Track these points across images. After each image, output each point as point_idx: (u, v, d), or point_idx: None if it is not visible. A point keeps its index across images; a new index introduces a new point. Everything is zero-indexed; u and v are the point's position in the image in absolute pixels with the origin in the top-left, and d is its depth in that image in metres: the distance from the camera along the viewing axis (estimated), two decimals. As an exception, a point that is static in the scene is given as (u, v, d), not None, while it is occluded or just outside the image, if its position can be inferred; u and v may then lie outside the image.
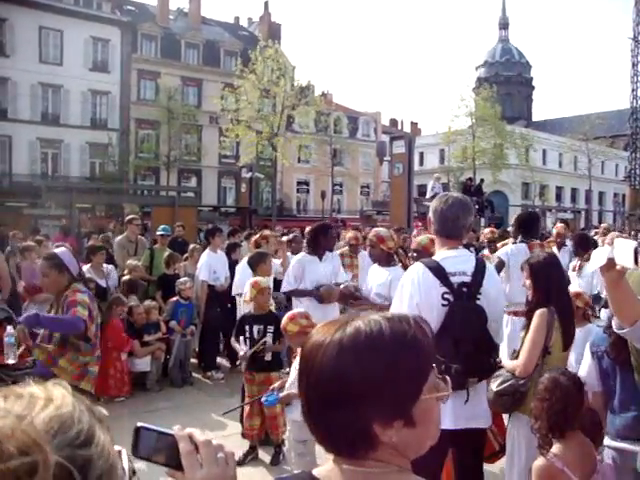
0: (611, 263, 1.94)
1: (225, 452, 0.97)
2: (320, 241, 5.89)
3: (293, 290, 5.86)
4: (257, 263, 5.90)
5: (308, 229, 6.60)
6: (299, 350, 4.17)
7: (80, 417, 0.69)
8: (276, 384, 4.33)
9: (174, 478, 0.94)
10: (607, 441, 2.90)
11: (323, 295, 5.49)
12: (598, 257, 1.99)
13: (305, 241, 7.25)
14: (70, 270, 3.98)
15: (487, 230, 9.26)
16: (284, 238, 8.76)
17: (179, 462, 0.93)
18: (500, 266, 5.52)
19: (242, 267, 6.81)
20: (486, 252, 7.56)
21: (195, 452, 0.93)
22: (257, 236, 7.52)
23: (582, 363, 3.14)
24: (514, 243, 5.91)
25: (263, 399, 4.36)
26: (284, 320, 4.27)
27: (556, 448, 2.65)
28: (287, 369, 5.19)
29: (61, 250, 4.20)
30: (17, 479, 0.59)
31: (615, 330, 2.31)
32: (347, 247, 7.32)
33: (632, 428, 2.81)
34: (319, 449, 3.95)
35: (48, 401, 0.68)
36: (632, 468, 2.73)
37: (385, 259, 5.14)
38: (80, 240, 13.50)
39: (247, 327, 5.05)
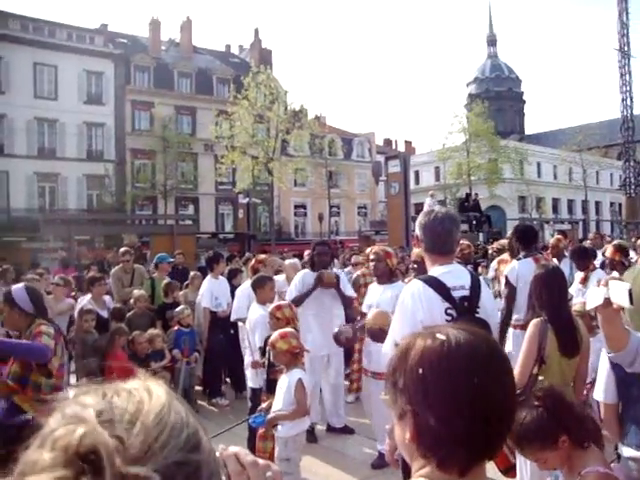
0: (607, 302, 2.07)
1: (273, 471, 0.94)
2: (317, 258, 6.17)
3: (297, 296, 6.13)
4: (258, 286, 5.90)
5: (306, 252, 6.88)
6: (290, 376, 4.18)
7: (188, 420, 0.66)
8: (263, 405, 4.35)
9: None
10: (629, 452, 2.75)
11: (323, 276, 5.87)
12: (595, 296, 2.13)
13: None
14: (20, 307, 3.86)
15: (496, 244, 9.22)
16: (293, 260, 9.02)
17: None
18: (510, 288, 5.48)
19: (241, 292, 6.89)
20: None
21: (244, 472, 0.90)
22: (253, 262, 7.52)
23: (598, 373, 3.05)
24: (518, 258, 5.82)
25: (250, 420, 4.39)
26: (274, 336, 4.31)
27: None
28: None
29: (16, 286, 4.11)
30: None
31: (606, 353, 2.39)
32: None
33: None
34: (303, 467, 3.92)
35: (154, 401, 0.64)
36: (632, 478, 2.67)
37: (388, 275, 5.18)
38: (80, 272, 13.51)
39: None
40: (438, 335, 1.09)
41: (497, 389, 1.03)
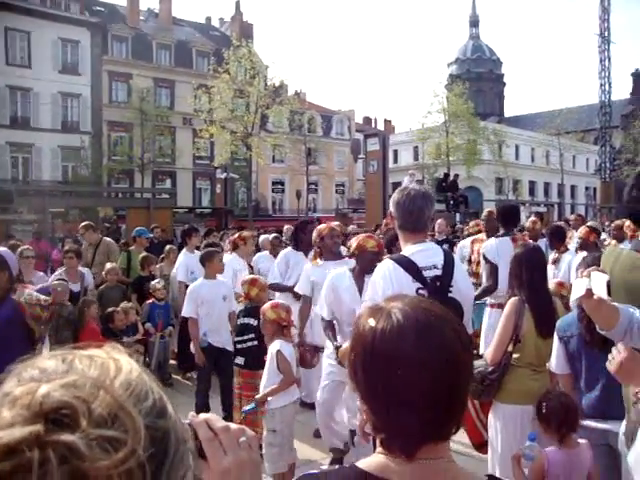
0: (589, 293, 2.15)
1: (247, 435, 0.91)
2: (300, 238, 6.14)
3: (276, 284, 6.22)
4: (207, 260, 5.88)
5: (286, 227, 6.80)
6: (270, 347, 4.20)
7: (152, 386, 0.64)
8: (257, 396, 4.30)
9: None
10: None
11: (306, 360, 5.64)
12: (578, 288, 2.22)
13: (288, 239, 7.44)
14: (11, 271, 3.88)
15: (473, 223, 9.28)
16: (268, 236, 9.01)
17: (200, 451, 0.87)
18: (491, 265, 5.54)
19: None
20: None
21: (216, 439, 0.88)
22: (235, 237, 7.48)
23: (553, 347, 3.22)
24: (496, 236, 5.86)
25: (243, 409, 4.43)
26: (266, 305, 4.40)
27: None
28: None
29: (5, 249, 4.11)
30: (108, 445, 0.54)
31: (598, 330, 2.44)
32: None
33: (597, 407, 2.95)
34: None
35: (119, 367, 0.62)
36: (601, 444, 2.87)
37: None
38: (53, 245, 13.34)
39: (239, 320, 5.13)
40: (370, 321, 1.08)
41: (424, 377, 1.01)
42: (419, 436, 1.03)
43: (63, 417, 0.54)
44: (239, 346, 5.00)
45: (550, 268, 6.61)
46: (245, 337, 4.95)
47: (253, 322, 4.86)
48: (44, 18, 32.75)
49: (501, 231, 5.87)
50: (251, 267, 7.67)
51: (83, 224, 9.12)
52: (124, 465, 0.54)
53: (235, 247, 7.17)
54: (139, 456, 0.55)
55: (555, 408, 2.86)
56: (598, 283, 2.16)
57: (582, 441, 2.87)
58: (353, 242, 4.65)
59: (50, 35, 32.89)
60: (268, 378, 4.17)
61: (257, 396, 4.22)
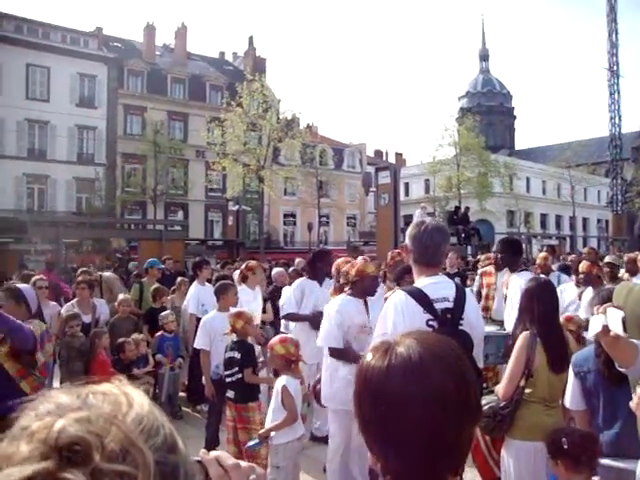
0: (606, 330, 2.15)
1: (257, 473, 0.92)
2: (318, 266, 6.15)
3: (292, 314, 6.19)
4: (221, 293, 5.91)
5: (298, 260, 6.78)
6: (276, 383, 4.19)
7: (163, 422, 0.65)
8: (261, 431, 4.28)
9: None
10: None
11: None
12: (595, 324, 2.22)
13: (304, 268, 7.44)
14: (28, 304, 3.95)
15: (484, 257, 9.19)
16: (280, 270, 9.02)
17: None
18: None
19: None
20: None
21: (226, 476, 0.88)
22: (244, 268, 7.49)
23: (568, 382, 3.17)
24: (512, 270, 5.79)
25: (247, 445, 4.38)
26: (274, 340, 4.38)
27: None
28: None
29: (24, 285, 4.22)
30: None
31: (617, 367, 2.42)
32: None
33: (615, 445, 2.87)
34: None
35: (131, 403, 0.64)
36: None
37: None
38: (65, 275, 13.43)
39: (226, 354, 5.04)
40: (367, 357, 1.10)
41: (409, 417, 1.01)
42: (412, 476, 1.02)
43: (77, 452, 0.55)
44: (228, 380, 4.94)
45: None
46: (232, 371, 4.90)
47: (237, 355, 4.84)
48: (63, 54, 33.66)
49: (515, 266, 5.82)
50: (264, 299, 7.64)
51: (79, 271, 9.13)
52: None
53: (244, 279, 7.17)
54: None
55: (579, 444, 2.75)
56: (614, 319, 2.15)
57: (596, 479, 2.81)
58: (349, 268, 4.69)
59: (69, 70, 33.71)
60: (273, 413, 4.15)
61: (260, 431, 4.21)
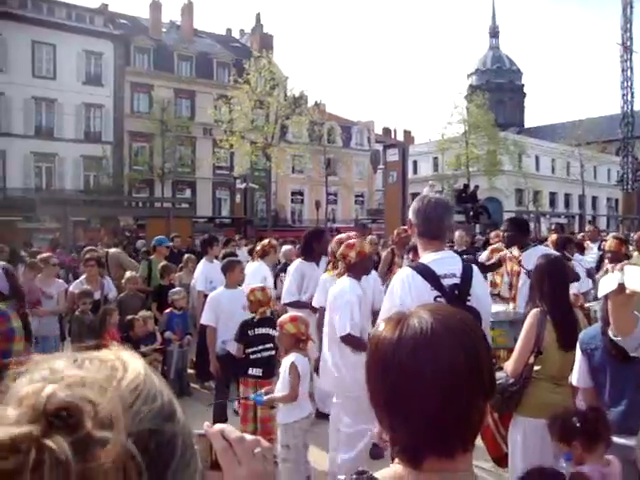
0: (621, 288, 2.09)
1: (262, 446, 0.91)
2: (314, 247, 6.08)
3: (292, 302, 6.07)
4: (228, 270, 5.94)
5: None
6: (284, 360, 4.20)
7: (161, 389, 0.63)
8: (264, 388, 4.41)
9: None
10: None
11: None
12: (608, 283, 2.16)
13: (299, 248, 7.33)
14: None
15: (493, 234, 9.14)
16: (291, 247, 9.06)
17: (215, 462, 0.87)
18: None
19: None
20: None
21: (231, 449, 0.88)
22: (266, 243, 7.33)
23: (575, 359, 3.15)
24: (525, 247, 5.74)
25: (252, 396, 4.44)
26: (285, 317, 4.37)
27: None
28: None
29: None
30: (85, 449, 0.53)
31: (611, 336, 2.39)
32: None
33: (623, 422, 2.85)
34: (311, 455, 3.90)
35: (128, 369, 0.62)
36: (627, 460, 2.75)
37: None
38: (69, 254, 13.51)
39: (250, 332, 5.03)
40: (378, 329, 1.10)
41: (417, 388, 1.00)
42: (419, 448, 1.01)
43: (67, 418, 0.53)
44: (256, 356, 4.93)
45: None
46: (264, 346, 4.92)
47: (272, 332, 4.85)
48: (69, 31, 33.45)
49: (527, 243, 5.81)
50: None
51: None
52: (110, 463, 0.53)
53: (264, 255, 7.15)
54: (128, 453, 0.54)
55: (593, 419, 2.72)
56: (634, 277, 2.09)
57: (610, 457, 2.78)
58: (347, 250, 4.49)
59: (75, 47, 33.52)
60: (282, 389, 4.18)
61: (265, 397, 4.26)
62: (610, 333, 2.45)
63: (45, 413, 0.53)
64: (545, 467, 2.69)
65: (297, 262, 6.43)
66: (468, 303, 2.97)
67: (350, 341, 4.16)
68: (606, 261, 6.32)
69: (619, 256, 6.19)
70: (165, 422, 0.61)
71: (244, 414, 4.89)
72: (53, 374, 0.58)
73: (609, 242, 6.68)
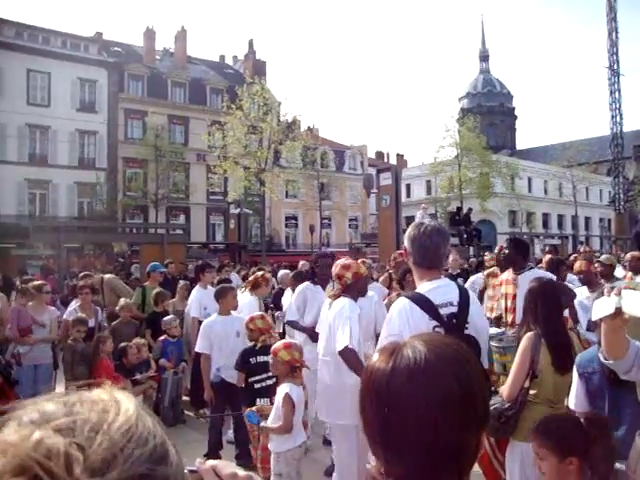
0: (618, 312, 2.05)
1: None
2: (319, 271, 6.11)
3: (294, 321, 6.13)
4: (221, 297, 5.93)
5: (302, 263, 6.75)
6: (279, 390, 4.16)
7: (155, 430, 0.62)
8: (255, 407, 4.40)
9: None
10: None
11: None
12: (604, 306, 2.10)
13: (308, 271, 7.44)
14: None
15: (488, 257, 9.16)
16: (288, 272, 9.07)
17: None
18: None
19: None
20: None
21: None
22: (259, 275, 7.33)
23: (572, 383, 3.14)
24: (520, 270, 5.73)
25: (246, 412, 4.43)
26: (279, 344, 4.33)
27: None
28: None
29: None
30: None
31: (601, 359, 2.39)
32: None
33: (621, 447, 2.82)
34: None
35: (119, 411, 0.60)
36: None
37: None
38: (61, 280, 13.45)
39: (252, 359, 5.01)
40: (373, 359, 1.10)
41: (410, 418, 1.00)
42: (414, 479, 1.01)
43: (54, 467, 0.52)
44: (261, 385, 4.89)
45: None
46: (267, 375, 4.85)
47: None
48: (64, 59, 33.75)
49: (525, 264, 5.75)
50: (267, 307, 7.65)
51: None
52: None
53: (255, 287, 7.09)
54: None
55: (593, 422, 2.65)
56: (633, 301, 2.03)
57: None
58: (343, 271, 4.50)
59: (69, 75, 33.77)
60: (272, 417, 4.15)
61: (261, 424, 4.23)
62: (600, 356, 2.44)
63: (31, 463, 0.52)
64: None
65: (304, 285, 6.38)
66: (466, 331, 2.92)
67: (348, 355, 4.06)
68: (602, 281, 6.30)
69: (589, 277, 6.17)
70: (157, 465, 0.59)
71: (253, 442, 4.89)
72: (42, 417, 0.57)
73: (578, 263, 6.58)
